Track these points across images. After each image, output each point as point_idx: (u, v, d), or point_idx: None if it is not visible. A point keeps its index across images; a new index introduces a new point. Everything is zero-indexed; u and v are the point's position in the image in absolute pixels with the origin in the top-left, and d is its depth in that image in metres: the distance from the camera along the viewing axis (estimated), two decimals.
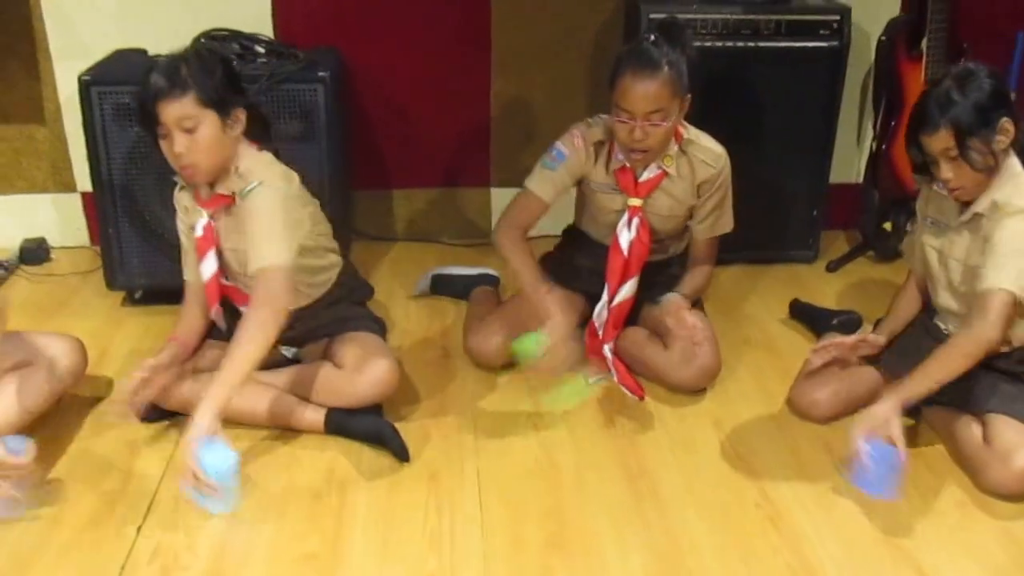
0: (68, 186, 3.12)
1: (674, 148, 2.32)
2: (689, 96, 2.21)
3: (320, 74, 2.63)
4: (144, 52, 2.81)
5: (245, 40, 2.72)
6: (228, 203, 2.09)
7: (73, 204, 3.14)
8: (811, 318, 2.72)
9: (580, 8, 3.07)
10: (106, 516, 1.93)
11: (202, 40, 2.67)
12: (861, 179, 3.23)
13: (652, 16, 2.76)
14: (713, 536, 1.89)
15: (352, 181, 3.12)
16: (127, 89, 2.52)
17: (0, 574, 1.77)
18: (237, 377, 1.93)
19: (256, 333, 1.96)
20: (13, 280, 2.95)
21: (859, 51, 3.05)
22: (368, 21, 3.03)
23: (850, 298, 2.92)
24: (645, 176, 2.33)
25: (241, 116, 2.05)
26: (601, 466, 2.10)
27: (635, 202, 2.34)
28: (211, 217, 2.11)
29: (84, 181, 3.02)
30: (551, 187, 2.37)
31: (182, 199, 2.19)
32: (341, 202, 2.80)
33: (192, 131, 1.96)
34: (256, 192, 2.03)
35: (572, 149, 2.35)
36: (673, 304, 2.31)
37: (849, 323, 2.63)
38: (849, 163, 3.31)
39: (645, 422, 2.27)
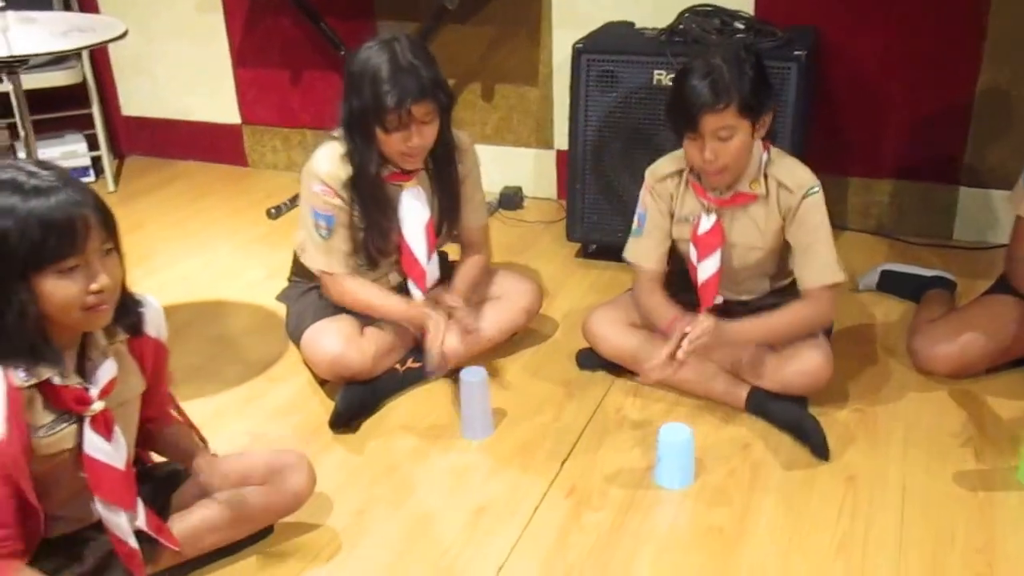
0: (546, 143, 3.43)
1: None
2: None
3: (795, 53, 2.60)
4: (631, 24, 2.98)
5: (726, 16, 2.76)
6: (750, 200, 2.10)
7: (548, 160, 3.45)
8: None
9: None
10: (536, 446, 2.13)
11: (686, 15, 2.75)
12: None
13: None
14: None
15: (807, 163, 3.02)
16: (612, 58, 2.72)
17: (438, 482, 2.05)
18: (754, 337, 2.10)
19: (794, 322, 2.09)
20: (491, 221, 3.29)
21: None
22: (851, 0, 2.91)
23: None
24: None
25: (768, 120, 2.04)
26: None
27: None
28: (720, 212, 2.13)
29: (561, 140, 3.31)
30: None
31: (666, 187, 2.17)
32: None
33: (726, 140, 1.97)
34: (817, 198, 2.07)
35: None
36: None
37: None
38: None
39: None
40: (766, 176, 2.08)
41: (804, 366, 2.09)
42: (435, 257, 2.33)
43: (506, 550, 1.82)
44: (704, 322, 2.01)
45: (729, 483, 1.98)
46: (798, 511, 1.89)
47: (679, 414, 2.20)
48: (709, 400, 2.23)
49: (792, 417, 2.10)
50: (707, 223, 2.12)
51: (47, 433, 1.45)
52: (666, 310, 2.18)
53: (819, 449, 2.03)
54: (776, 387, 2.12)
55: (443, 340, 2.14)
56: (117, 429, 1.53)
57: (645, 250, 2.23)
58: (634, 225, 2.25)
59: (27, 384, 1.41)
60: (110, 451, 1.51)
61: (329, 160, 2.19)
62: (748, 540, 1.82)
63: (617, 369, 2.35)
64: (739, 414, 2.18)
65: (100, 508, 1.54)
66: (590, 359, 2.39)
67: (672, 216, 2.19)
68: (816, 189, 2.08)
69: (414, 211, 2.25)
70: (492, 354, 2.43)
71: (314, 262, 2.26)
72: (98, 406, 1.48)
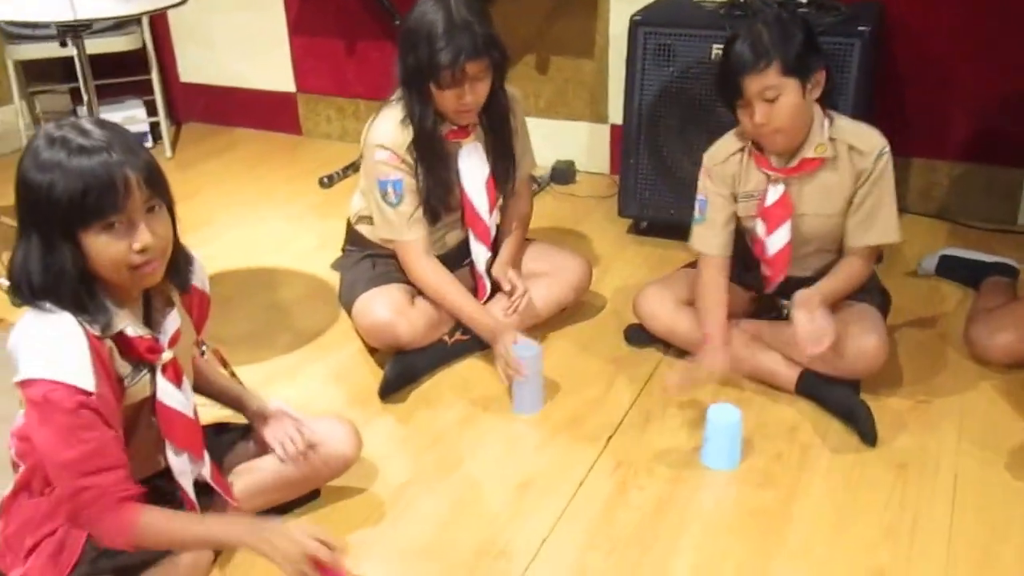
0: (600, 117, 3.40)
1: None
2: None
3: (859, 28, 2.54)
4: None
5: None
6: (817, 166, 2.04)
7: (602, 134, 3.42)
8: None
9: None
10: (583, 421, 2.13)
11: None
12: None
13: None
14: None
15: None
16: (670, 31, 2.68)
17: (485, 454, 2.06)
18: (833, 296, 2.06)
19: (852, 281, 2.09)
20: (543, 195, 3.31)
21: None
22: None
23: None
24: None
25: (821, 79, 2.00)
26: None
27: None
28: (787, 182, 2.07)
29: (615, 114, 3.28)
30: None
31: (727, 168, 2.12)
32: None
33: (773, 100, 1.95)
34: (889, 158, 2.03)
35: None
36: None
37: None
38: None
39: None
40: (832, 140, 2.04)
41: (860, 349, 2.05)
42: (496, 212, 2.34)
43: (551, 523, 1.83)
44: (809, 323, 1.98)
45: (776, 466, 1.96)
46: (845, 497, 1.87)
47: (728, 394, 2.18)
48: (759, 380, 2.20)
49: (843, 402, 2.07)
50: (775, 194, 2.08)
51: (129, 384, 1.51)
52: (713, 317, 2.11)
53: (867, 435, 2.00)
54: (829, 370, 2.09)
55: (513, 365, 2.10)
56: (185, 377, 1.59)
57: (709, 237, 2.16)
58: (696, 213, 2.19)
59: (105, 336, 1.45)
60: (181, 399, 1.57)
61: (390, 128, 2.20)
62: (793, 524, 1.81)
63: (667, 346, 2.34)
64: (788, 396, 2.16)
65: (170, 456, 1.59)
66: (639, 335, 2.38)
67: (736, 198, 2.15)
68: (888, 149, 2.05)
69: (474, 167, 2.25)
70: (541, 329, 2.43)
71: (387, 232, 2.26)
72: (168, 355, 1.54)
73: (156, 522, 1.47)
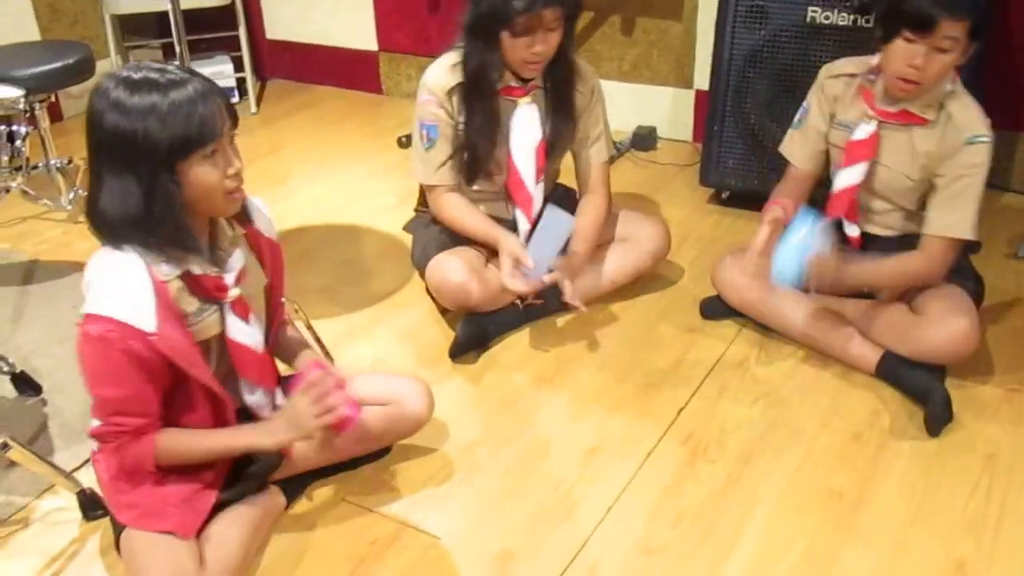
0: (686, 82, 3.31)
1: None
2: None
3: None
4: None
5: None
6: (915, 122, 1.96)
7: (686, 100, 3.33)
8: None
9: None
10: (655, 391, 2.09)
11: None
12: None
13: None
14: None
15: None
16: None
17: (554, 419, 2.04)
18: (862, 280, 2.00)
19: (900, 274, 1.99)
20: (622, 161, 3.25)
21: None
22: None
23: None
24: None
25: (971, 49, 1.89)
26: None
27: None
28: (880, 126, 2.01)
29: (701, 80, 3.19)
30: None
31: (835, 86, 2.08)
32: None
33: (944, 52, 1.84)
34: (982, 147, 1.91)
35: None
36: None
37: None
38: None
39: None
40: (942, 106, 1.94)
41: (948, 334, 1.95)
42: (542, 183, 2.27)
43: (617, 490, 1.80)
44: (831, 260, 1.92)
45: (853, 448, 1.90)
46: (927, 485, 1.80)
47: (805, 372, 2.12)
48: (839, 360, 2.13)
49: (921, 384, 1.98)
50: (864, 131, 2.01)
51: (195, 320, 1.53)
52: (780, 197, 2.13)
53: (937, 418, 1.92)
54: (914, 353, 2.00)
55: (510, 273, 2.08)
56: (252, 315, 1.61)
57: (798, 145, 2.17)
58: (796, 119, 2.19)
59: (171, 277, 1.48)
60: (250, 333, 1.60)
61: (439, 69, 2.18)
62: (868, 508, 1.75)
63: (744, 319, 2.28)
64: (866, 377, 2.08)
65: (245, 391, 1.63)
66: (716, 309, 2.32)
67: (832, 119, 2.10)
68: (984, 138, 1.92)
69: (525, 129, 2.19)
70: (616, 297, 2.39)
71: (416, 174, 2.28)
72: (235, 292, 1.56)
73: (173, 439, 1.53)
